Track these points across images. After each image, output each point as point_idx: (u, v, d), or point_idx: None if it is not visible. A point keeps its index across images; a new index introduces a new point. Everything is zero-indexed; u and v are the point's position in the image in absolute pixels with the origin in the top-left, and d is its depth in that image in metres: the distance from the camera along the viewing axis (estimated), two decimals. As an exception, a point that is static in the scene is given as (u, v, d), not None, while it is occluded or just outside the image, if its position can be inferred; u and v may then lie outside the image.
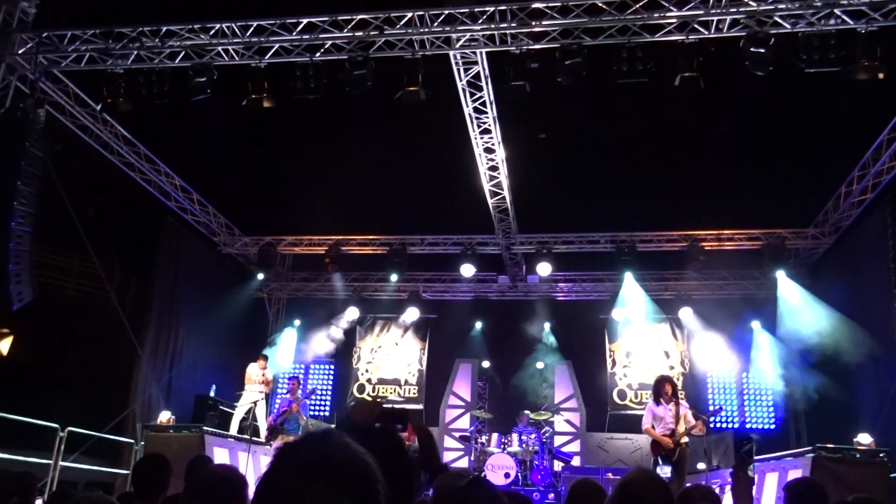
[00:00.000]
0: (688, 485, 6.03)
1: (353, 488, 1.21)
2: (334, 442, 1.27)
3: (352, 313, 17.08)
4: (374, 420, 2.87)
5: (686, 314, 15.76)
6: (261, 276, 16.01)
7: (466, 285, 16.76)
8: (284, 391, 13.53)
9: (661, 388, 9.80)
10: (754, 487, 9.76)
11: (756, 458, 10.89)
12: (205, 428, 11.57)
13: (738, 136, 10.73)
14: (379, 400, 15.80)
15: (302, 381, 14.03)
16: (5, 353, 9.22)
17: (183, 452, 9.66)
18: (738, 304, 15.53)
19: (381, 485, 1.25)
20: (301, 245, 16.30)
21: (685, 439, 9.54)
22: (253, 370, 13.24)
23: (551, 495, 12.52)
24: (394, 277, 15.63)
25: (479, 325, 16.67)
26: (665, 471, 9.56)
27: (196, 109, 10.09)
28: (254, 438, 12.33)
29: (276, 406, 12.91)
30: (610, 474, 12.34)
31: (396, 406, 15.55)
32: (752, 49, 8.63)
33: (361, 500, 1.21)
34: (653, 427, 9.72)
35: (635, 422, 14.66)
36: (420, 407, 16.89)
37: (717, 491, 11.27)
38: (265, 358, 13.62)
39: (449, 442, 16.67)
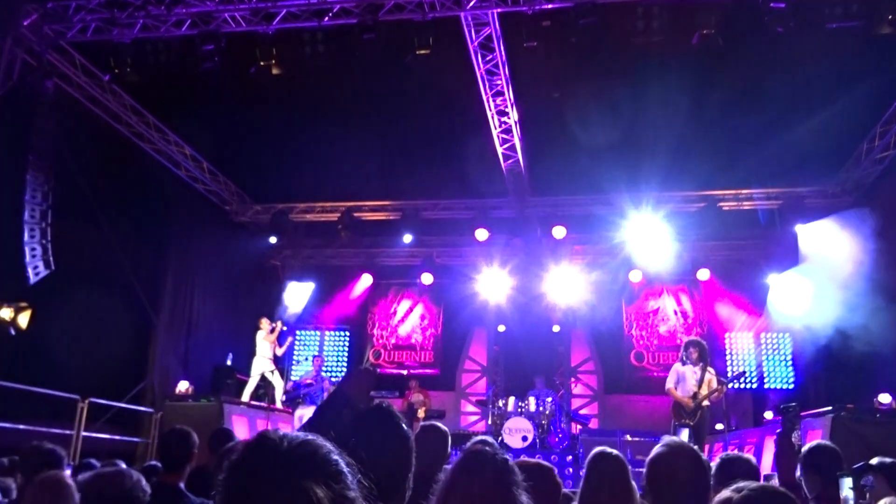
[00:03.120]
0: (731, 452, 5.98)
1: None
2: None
3: (365, 280, 17.21)
4: (369, 390, 2.89)
5: (704, 275, 15.79)
6: (273, 242, 16.08)
7: (480, 249, 16.79)
8: (306, 363, 13.78)
9: (688, 352, 9.89)
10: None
11: (774, 419, 10.98)
12: (223, 397, 11.83)
13: (756, 94, 10.61)
14: (371, 367, 15.98)
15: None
16: (25, 326, 9.37)
17: (203, 421, 9.92)
18: (757, 264, 15.51)
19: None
20: (313, 212, 16.36)
21: (706, 403, 9.64)
22: (259, 336, 13.54)
23: (569, 458, 12.69)
24: (408, 241, 15.70)
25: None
26: (683, 435, 9.66)
27: (204, 78, 10.08)
28: (272, 406, 12.57)
29: (300, 377, 13.14)
30: (628, 436, 12.48)
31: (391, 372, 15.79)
32: (771, 5, 8.51)
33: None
34: (675, 388, 9.82)
35: (653, 384, 14.79)
36: (436, 371, 17.11)
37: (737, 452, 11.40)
38: (266, 317, 13.92)
39: (466, 406, 16.91)
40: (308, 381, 12.39)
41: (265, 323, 13.72)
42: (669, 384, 9.91)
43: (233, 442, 5.71)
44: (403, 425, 2.69)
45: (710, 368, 9.92)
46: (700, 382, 9.67)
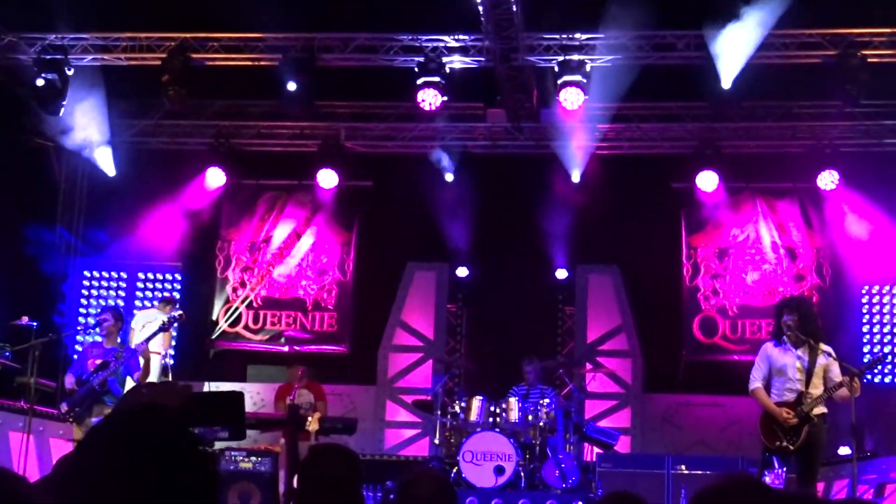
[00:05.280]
0: (861, 499, 6.13)
1: None
2: None
3: (214, 177, 17.08)
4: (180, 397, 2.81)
5: (829, 180, 15.90)
6: (40, 102, 15.69)
7: (428, 127, 16.73)
8: (93, 332, 13.80)
9: (783, 318, 9.88)
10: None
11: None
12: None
13: None
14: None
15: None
16: None
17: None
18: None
19: None
20: (116, 51, 15.97)
21: (821, 409, 9.68)
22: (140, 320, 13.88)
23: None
24: (291, 111, 15.52)
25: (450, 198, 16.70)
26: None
27: None
28: (37, 407, 12.45)
29: (79, 355, 13.10)
30: (683, 467, 12.61)
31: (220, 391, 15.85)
32: None
33: None
34: (765, 386, 9.86)
35: (731, 374, 14.94)
36: (342, 349, 17.16)
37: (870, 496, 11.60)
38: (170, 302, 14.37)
39: (396, 411, 16.96)
40: (96, 362, 12.31)
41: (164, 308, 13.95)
42: (755, 381, 9.89)
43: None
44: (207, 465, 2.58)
45: (825, 348, 9.89)
46: (809, 374, 9.70)
